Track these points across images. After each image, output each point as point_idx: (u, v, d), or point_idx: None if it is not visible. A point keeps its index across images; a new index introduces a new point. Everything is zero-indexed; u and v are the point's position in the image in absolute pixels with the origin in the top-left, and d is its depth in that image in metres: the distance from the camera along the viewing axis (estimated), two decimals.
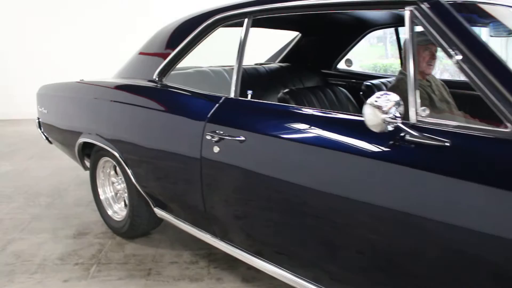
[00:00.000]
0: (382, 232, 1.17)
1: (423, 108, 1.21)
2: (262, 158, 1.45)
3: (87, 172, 2.71)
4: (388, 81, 2.52)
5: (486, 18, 1.77)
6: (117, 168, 2.36)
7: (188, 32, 1.84)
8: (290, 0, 1.53)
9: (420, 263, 1.12)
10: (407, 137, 1.12)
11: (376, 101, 1.11)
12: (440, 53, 2.25)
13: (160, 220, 2.25)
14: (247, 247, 1.66)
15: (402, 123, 1.10)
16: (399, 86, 2.21)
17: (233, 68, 2.58)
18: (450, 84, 2.44)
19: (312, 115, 1.44)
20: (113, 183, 2.47)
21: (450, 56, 1.13)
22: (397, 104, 1.12)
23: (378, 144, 1.18)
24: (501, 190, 0.95)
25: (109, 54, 6.50)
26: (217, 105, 1.63)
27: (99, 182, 2.51)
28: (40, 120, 2.96)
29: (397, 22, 2.62)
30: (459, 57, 1.11)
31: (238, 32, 1.67)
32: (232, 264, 2.09)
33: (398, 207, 1.11)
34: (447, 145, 1.06)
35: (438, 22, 1.17)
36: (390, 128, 1.11)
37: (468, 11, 1.50)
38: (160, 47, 1.99)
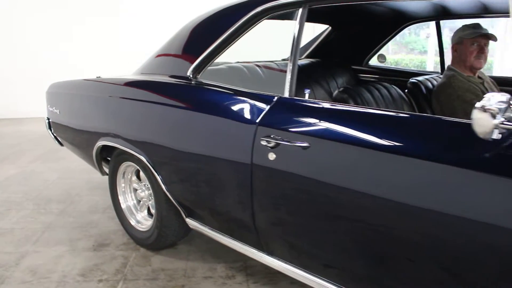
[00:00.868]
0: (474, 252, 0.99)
1: None
2: (330, 167, 1.25)
3: (99, 175, 2.51)
4: (432, 78, 2.34)
5: None
6: (140, 173, 2.16)
7: (229, 24, 1.64)
8: None
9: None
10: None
11: (488, 105, 0.92)
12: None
13: (189, 230, 2.06)
14: (297, 261, 1.49)
15: None
16: (451, 84, 2.03)
17: (266, 64, 2.42)
18: (497, 81, 2.27)
19: (389, 117, 1.25)
20: (135, 190, 2.27)
21: None
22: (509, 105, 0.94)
23: (485, 152, 0.99)
24: None
25: (110, 52, 6.35)
26: (269, 105, 1.44)
27: (119, 189, 2.30)
28: (50, 120, 2.75)
29: (439, 14, 2.44)
30: None
31: None
32: (272, 278, 1.92)
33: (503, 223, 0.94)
34: None
35: None
36: (497, 134, 0.93)
37: None
38: (196, 40, 1.79)
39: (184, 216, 1.92)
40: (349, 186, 1.21)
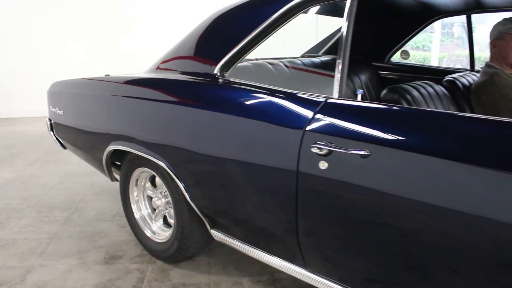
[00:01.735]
0: None
1: None
2: (395, 177, 1.10)
3: (103, 179, 2.33)
4: (465, 75, 2.19)
5: None
6: (156, 179, 1.99)
7: (264, 16, 1.47)
8: None
9: None
10: None
11: None
12: None
13: (211, 241, 1.90)
14: (336, 276, 1.34)
15: None
16: (495, 82, 1.89)
17: (291, 61, 2.25)
18: None
19: (457, 119, 1.10)
20: (150, 197, 2.10)
21: None
22: None
23: None
24: None
25: (108, 52, 6.16)
26: (317, 108, 1.28)
27: (131, 198, 2.13)
28: (52, 121, 2.56)
29: (470, 8, 2.30)
30: None
31: None
32: None
33: None
34: None
35: None
36: None
37: None
38: (224, 34, 1.62)
39: (209, 227, 1.76)
40: (418, 198, 1.06)
